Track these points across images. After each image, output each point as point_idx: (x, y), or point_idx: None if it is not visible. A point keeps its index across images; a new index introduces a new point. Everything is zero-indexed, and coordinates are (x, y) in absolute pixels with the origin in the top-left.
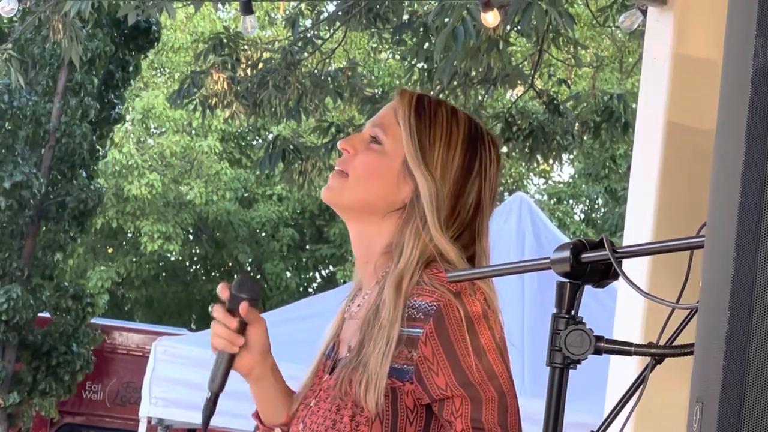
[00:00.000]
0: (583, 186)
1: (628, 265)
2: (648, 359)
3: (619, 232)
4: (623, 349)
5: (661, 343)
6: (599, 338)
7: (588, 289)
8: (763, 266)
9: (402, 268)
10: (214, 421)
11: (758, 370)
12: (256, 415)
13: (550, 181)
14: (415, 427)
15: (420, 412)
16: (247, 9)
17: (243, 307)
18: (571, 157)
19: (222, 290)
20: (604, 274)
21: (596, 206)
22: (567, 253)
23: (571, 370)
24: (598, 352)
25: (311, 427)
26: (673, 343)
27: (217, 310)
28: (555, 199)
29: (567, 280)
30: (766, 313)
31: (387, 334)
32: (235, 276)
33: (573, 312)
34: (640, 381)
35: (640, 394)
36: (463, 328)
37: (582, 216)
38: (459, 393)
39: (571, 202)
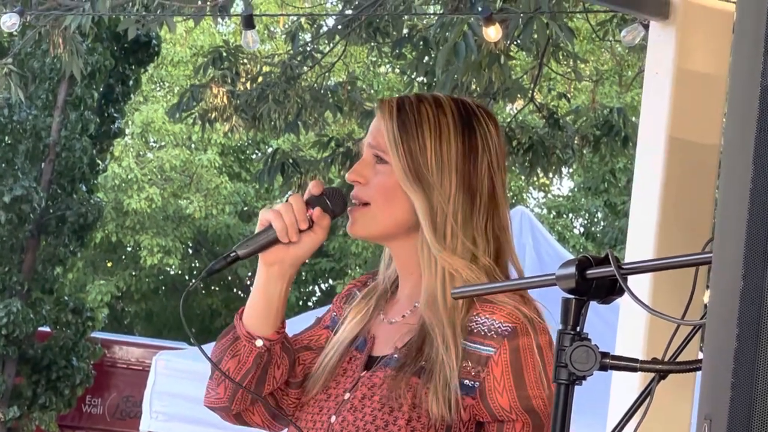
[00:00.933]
0: (583, 200)
1: (631, 281)
2: (654, 382)
3: (618, 245)
4: (629, 365)
5: (665, 359)
6: (605, 354)
7: (593, 305)
8: None
9: (427, 286)
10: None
11: (767, 387)
12: (239, 316)
13: (549, 195)
14: None
15: (470, 427)
16: (248, 24)
17: (317, 212)
18: (571, 170)
19: (316, 186)
20: (610, 290)
21: (596, 220)
22: (572, 269)
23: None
24: (603, 368)
25: (355, 423)
26: (677, 359)
27: (297, 201)
28: (554, 213)
29: (572, 296)
30: None
31: (455, 350)
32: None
33: (578, 328)
34: (647, 393)
35: (647, 406)
36: (534, 354)
37: (582, 230)
38: (523, 418)
39: (570, 215)
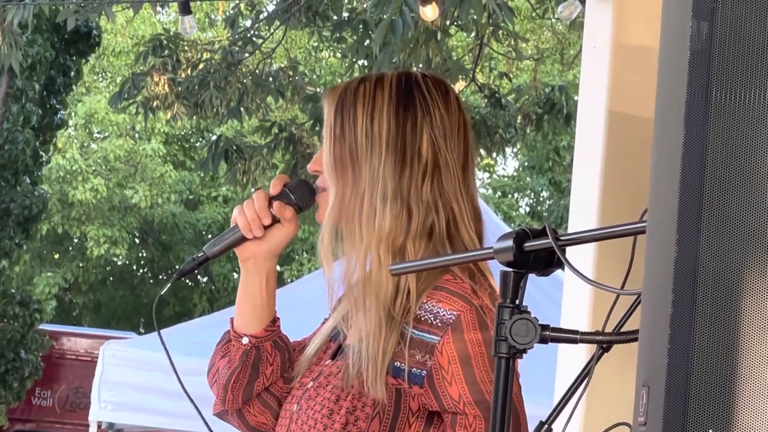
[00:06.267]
0: (528, 179)
1: (574, 255)
2: (597, 355)
3: (564, 224)
4: (569, 337)
5: (609, 330)
6: (545, 327)
7: (536, 282)
8: (705, 248)
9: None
10: (165, 423)
11: (703, 352)
12: (231, 320)
13: (494, 175)
14: (413, 430)
15: (421, 416)
16: (185, 9)
17: (276, 206)
18: (515, 150)
19: (277, 184)
20: (548, 262)
21: (541, 199)
22: (510, 243)
23: (523, 364)
24: (543, 340)
25: (306, 412)
26: (621, 330)
27: (258, 196)
28: (500, 193)
29: (511, 269)
30: (710, 295)
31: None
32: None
33: (518, 301)
34: (586, 372)
35: (586, 384)
36: (481, 342)
37: (527, 209)
38: (473, 411)
39: (516, 195)
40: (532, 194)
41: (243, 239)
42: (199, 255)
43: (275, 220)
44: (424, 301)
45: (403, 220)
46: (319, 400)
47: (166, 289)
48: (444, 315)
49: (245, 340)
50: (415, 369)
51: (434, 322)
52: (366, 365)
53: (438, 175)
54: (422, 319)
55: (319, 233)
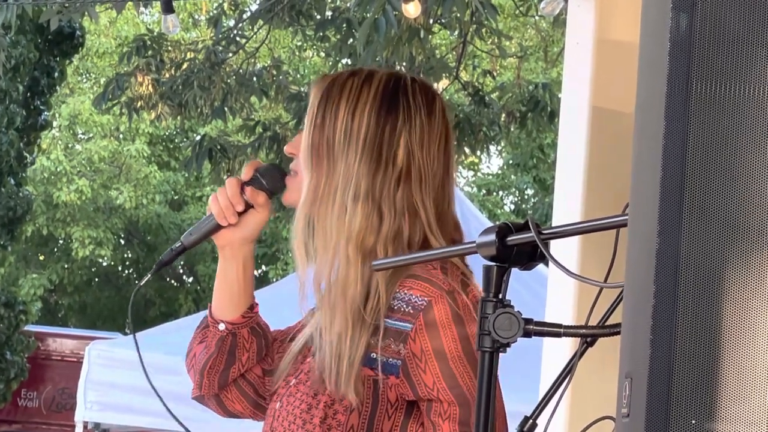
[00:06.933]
0: (513, 177)
1: (558, 250)
2: (581, 349)
3: (549, 221)
4: (553, 330)
5: (593, 324)
6: (528, 321)
7: (521, 278)
8: (686, 239)
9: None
10: (163, 425)
11: (685, 342)
12: (209, 305)
13: (479, 173)
14: (392, 422)
15: (400, 407)
16: (168, 8)
17: (248, 191)
18: (499, 148)
19: (248, 169)
20: (531, 256)
21: (526, 196)
22: (492, 237)
23: (508, 361)
24: (527, 334)
25: (287, 408)
26: (605, 324)
27: (230, 184)
28: (485, 191)
29: (493, 263)
30: (692, 286)
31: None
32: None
33: (501, 295)
34: (570, 366)
35: (569, 380)
36: (453, 327)
37: (512, 207)
38: (447, 397)
39: (500, 193)
40: (517, 192)
41: (218, 227)
42: (177, 245)
43: (249, 206)
44: (397, 290)
45: (373, 221)
46: (298, 395)
47: (146, 280)
48: (416, 302)
49: (222, 327)
50: (390, 359)
51: (406, 310)
52: (334, 366)
53: (410, 183)
54: (395, 308)
55: (293, 222)
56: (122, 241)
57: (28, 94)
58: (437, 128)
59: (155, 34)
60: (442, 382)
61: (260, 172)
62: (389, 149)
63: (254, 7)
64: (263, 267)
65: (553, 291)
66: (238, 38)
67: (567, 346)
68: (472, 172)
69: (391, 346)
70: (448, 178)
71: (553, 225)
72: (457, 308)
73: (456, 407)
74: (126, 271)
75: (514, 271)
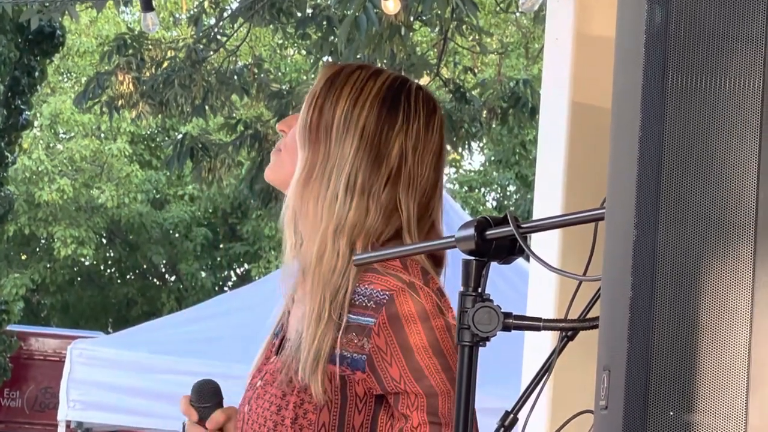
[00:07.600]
0: (494, 173)
1: (538, 244)
2: (561, 343)
3: (531, 217)
4: (532, 324)
5: (573, 317)
6: (507, 315)
7: (501, 273)
8: (663, 231)
9: (305, 251)
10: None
11: (663, 335)
12: None
13: (461, 170)
14: (363, 416)
15: (369, 402)
16: (147, 6)
17: (212, 419)
18: (481, 144)
19: (188, 411)
20: (510, 250)
21: (508, 193)
22: (471, 231)
23: (490, 358)
24: (506, 328)
25: (257, 411)
26: (585, 317)
27: (190, 428)
28: (467, 188)
29: (473, 257)
30: (669, 278)
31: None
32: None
33: (480, 289)
34: (550, 361)
35: (549, 374)
36: (416, 319)
37: (494, 203)
38: (414, 389)
39: (482, 189)
40: (499, 188)
41: None
42: None
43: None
44: (357, 285)
45: (361, 214)
46: (267, 397)
47: None
48: (377, 296)
49: None
50: (355, 354)
51: (368, 304)
52: (303, 357)
53: (398, 185)
54: (356, 302)
55: (287, 196)
56: (104, 241)
57: (9, 93)
58: (433, 140)
59: (136, 32)
60: (409, 374)
61: (193, 400)
62: (385, 147)
63: (234, 5)
64: (246, 265)
65: (534, 286)
66: (218, 36)
67: (548, 339)
68: (454, 169)
69: (355, 341)
70: (434, 194)
71: (533, 218)
72: (419, 300)
73: (424, 398)
74: (108, 271)
75: (496, 266)
